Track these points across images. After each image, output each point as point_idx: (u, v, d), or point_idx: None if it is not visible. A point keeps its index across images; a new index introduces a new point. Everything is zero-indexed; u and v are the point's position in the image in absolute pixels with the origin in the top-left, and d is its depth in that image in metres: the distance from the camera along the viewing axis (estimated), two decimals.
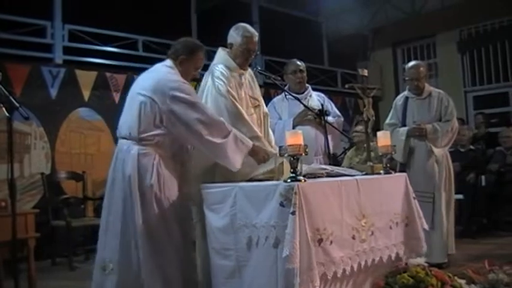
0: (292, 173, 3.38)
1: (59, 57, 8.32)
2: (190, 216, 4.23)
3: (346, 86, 4.63)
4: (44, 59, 8.21)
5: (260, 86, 4.88)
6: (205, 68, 4.51)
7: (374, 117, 4.53)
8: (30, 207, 7.29)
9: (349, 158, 8.09)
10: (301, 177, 3.38)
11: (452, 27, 12.12)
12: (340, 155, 8.68)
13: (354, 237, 3.70)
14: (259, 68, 4.87)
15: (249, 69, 4.72)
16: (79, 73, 8.22)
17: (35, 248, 5.48)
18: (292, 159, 3.37)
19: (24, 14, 7.97)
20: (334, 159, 6.18)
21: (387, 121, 6.35)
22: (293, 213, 3.23)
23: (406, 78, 6.27)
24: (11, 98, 3.45)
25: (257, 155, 4.07)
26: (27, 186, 7.43)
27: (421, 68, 6.12)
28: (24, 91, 7.56)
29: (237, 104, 4.26)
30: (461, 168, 8.41)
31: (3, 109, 3.45)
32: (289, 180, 3.35)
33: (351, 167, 7.80)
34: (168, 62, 4.19)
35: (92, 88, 8.25)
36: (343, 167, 7.91)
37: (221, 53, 4.62)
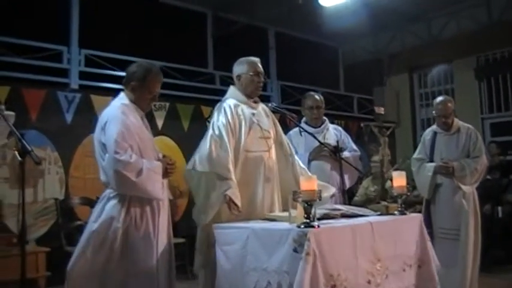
0: (306, 218, 3.34)
1: (74, 82, 8.36)
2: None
3: (362, 124, 4.60)
4: (60, 84, 8.24)
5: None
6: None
7: (390, 157, 4.48)
8: (43, 233, 7.34)
9: (365, 188, 8.06)
10: (315, 223, 3.34)
11: (470, 54, 12.02)
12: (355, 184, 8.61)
13: (369, 282, 3.65)
14: (274, 105, 4.83)
15: (262, 104, 4.77)
16: (94, 98, 8.21)
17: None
18: (306, 204, 3.33)
19: (40, 38, 8.04)
20: (349, 193, 6.12)
21: (415, 155, 6.26)
22: (303, 259, 3.19)
23: (434, 115, 6.17)
24: (23, 141, 3.42)
25: (166, 174, 4.04)
26: (40, 211, 7.43)
27: (449, 104, 6.00)
28: (40, 116, 7.58)
29: (216, 152, 4.25)
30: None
31: (16, 153, 3.41)
32: (302, 226, 3.31)
33: (368, 199, 7.84)
34: (121, 95, 4.15)
35: None
36: (357, 196, 7.95)
37: (231, 89, 4.74)
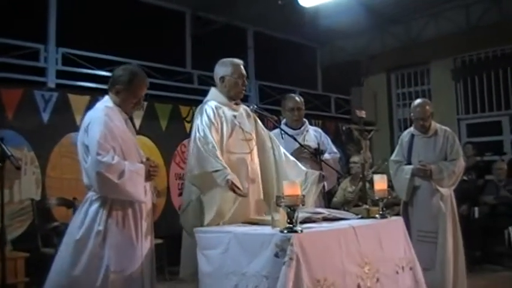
0: (288, 223, 3.32)
1: (51, 81, 8.25)
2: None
3: (344, 128, 4.62)
4: (37, 83, 8.12)
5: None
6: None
7: (371, 160, 4.48)
8: (19, 234, 7.22)
9: (343, 189, 8.07)
10: (298, 228, 3.33)
11: (447, 55, 12.10)
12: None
13: (359, 286, 3.65)
14: (255, 107, 4.80)
15: (243, 106, 4.77)
16: (72, 97, 8.10)
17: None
18: (289, 209, 3.32)
19: (17, 36, 7.89)
20: (328, 194, 6.11)
21: (393, 157, 6.30)
22: (286, 264, 3.17)
23: (412, 117, 6.20)
24: (3, 146, 3.37)
25: (149, 177, 4.03)
26: (16, 212, 7.30)
27: (427, 107, 6.05)
28: (16, 115, 7.43)
29: (202, 148, 4.20)
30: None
31: None
32: (285, 231, 3.30)
33: (346, 200, 7.86)
34: (105, 98, 4.14)
35: (84, 112, 8.04)
36: (336, 197, 7.97)
37: (213, 91, 4.70)
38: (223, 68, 4.62)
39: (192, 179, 4.25)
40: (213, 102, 4.53)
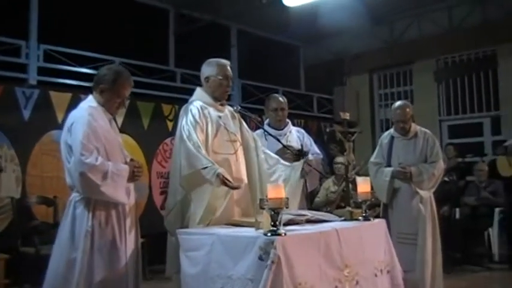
0: (272, 226, 3.31)
1: (33, 78, 8.14)
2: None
3: (328, 129, 4.63)
4: (18, 80, 8.02)
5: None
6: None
7: (354, 162, 4.48)
8: None
9: (325, 189, 8.08)
10: (282, 231, 3.31)
11: (430, 56, 12.18)
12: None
13: None
14: (238, 107, 4.78)
15: (228, 107, 4.75)
16: (53, 95, 8.06)
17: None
18: (272, 212, 3.30)
19: None
20: (310, 194, 6.12)
21: (372, 159, 6.28)
22: (269, 267, 3.16)
23: (392, 120, 6.20)
24: None
25: (133, 178, 4.03)
26: None
27: (407, 109, 6.02)
28: None
29: (199, 156, 4.15)
30: (435, 201, 8.40)
31: None
32: (269, 234, 3.28)
33: (328, 200, 7.87)
34: (89, 97, 4.12)
35: (66, 110, 8.00)
36: (318, 197, 7.97)
37: (198, 91, 4.67)
38: (208, 68, 4.60)
39: (183, 180, 4.21)
40: (198, 102, 4.50)
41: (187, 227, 4.17)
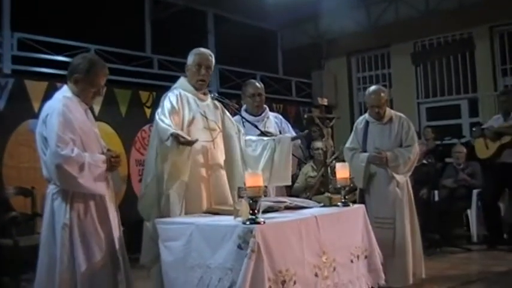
0: (251, 214, 3.30)
1: (7, 67, 8.04)
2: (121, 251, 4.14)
3: (305, 116, 4.62)
4: None
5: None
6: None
7: (333, 148, 4.48)
8: None
9: (305, 174, 8.09)
10: (261, 219, 3.30)
11: (407, 39, 12.21)
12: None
13: (316, 275, 3.66)
14: (216, 95, 4.76)
15: (210, 96, 4.75)
16: (29, 83, 7.95)
17: None
18: (251, 201, 3.29)
19: None
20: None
21: (347, 145, 6.24)
22: (249, 256, 3.16)
23: (367, 105, 6.18)
24: None
25: (111, 168, 4.01)
26: None
27: (382, 94, 5.98)
28: None
29: (160, 123, 4.19)
30: (413, 183, 8.44)
31: None
32: (247, 223, 3.27)
33: (308, 185, 7.87)
34: (64, 88, 4.07)
35: (42, 99, 7.90)
36: (297, 183, 7.98)
37: (181, 79, 4.71)
38: (189, 58, 4.63)
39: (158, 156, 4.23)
40: (178, 90, 4.55)
41: (163, 212, 4.18)
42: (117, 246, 4.02)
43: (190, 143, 4.10)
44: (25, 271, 6.98)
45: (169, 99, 4.40)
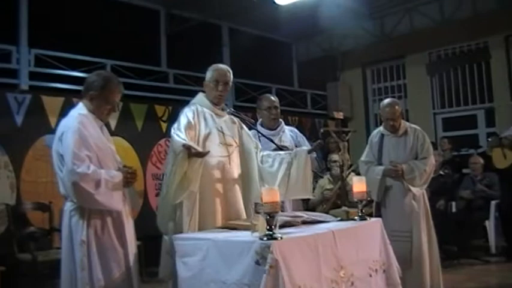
0: (268, 230, 3.29)
1: (24, 82, 8.10)
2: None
3: (322, 130, 4.61)
4: (9, 85, 7.98)
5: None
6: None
7: (349, 161, 4.47)
8: None
9: (321, 187, 8.06)
10: (278, 235, 3.30)
11: (422, 50, 12.18)
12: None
13: None
14: (232, 110, 4.76)
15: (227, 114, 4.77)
16: (45, 99, 8.02)
17: None
18: (268, 216, 3.29)
19: None
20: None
21: (362, 158, 6.20)
22: (267, 272, 3.15)
23: (382, 118, 6.15)
24: None
25: (127, 184, 4.01)
26: None
27: (396, 107, 5.95)
28: None
29: (175, 137, 4.19)
30: (430, 194, 8.40)
31: None
32: (265, 238, 3.27)
33: (324, 198, 7.85)
34: (79, 105, 4.10)
35: (59, 115, 7.96)
36: (314, 195, 7.95)
37: (199, 94, 4.73)
38: (207, 74, 4.64)
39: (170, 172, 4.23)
40: (195, 105, 4.57)
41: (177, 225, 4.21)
42: (131, 262, 4.02)
43: (201, 155, 4.10)
44: (43, 286, 7.05)
45: (186, 114, 4.42)
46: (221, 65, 4.72)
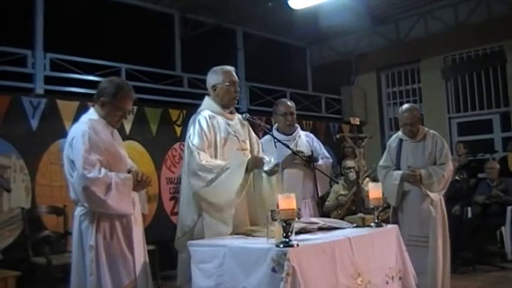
0: (284, 237, 3.27)
1: (40, 87, 8.16)
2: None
3: (338, 136, 4.58)
4: (25, 89, 8.03)
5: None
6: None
7: (365, 167, 4.44)
8: (9, 243, 7.17)
9: (336, 193, 8.02)
10: (294, 242, 3.28)
11: (437, 54, 12.12)
12: None
13: None
14: (247, 115, 4.73)
15: (238, 115, 4.71)
16: (60, 103, 8.01)
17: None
18: (284, 224, 3.26)
19: (3, 42, 7.77)
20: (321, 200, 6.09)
21: (381, 163, 6.19)
22: (284, 280, 3.13)
23: (400, 123, 6.12)
24: None
25: (137, 187, 4.02)
26: (6, 221, 7.20)
27: (415, 112, 5.96)
28: (4, 123, 7.34)
29: (198, 159, 4.19)
30: (446, 200, 8.33)
31: None
32: (281, 246, 3.25)
33: (339, 203, 7.81)
34: (90, 110, 4.13)
35: (73, 119, 7.95)
36: (328, 201, 7.92)
37: (206, 100, 4.64)
38: (214, 77, 4.55)
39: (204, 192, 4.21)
40: (206, 112, 4.48)
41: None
42: (138, 270, 4.01)
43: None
44: None
45: (200, 125, 4.35)
46: (227, 66, 4.64)
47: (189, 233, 4.29)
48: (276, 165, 4.44)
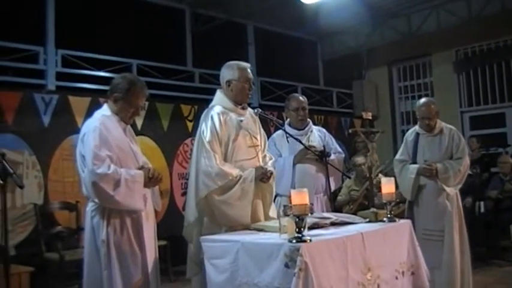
0: (297, 232, 3.26)
1: (51, 83, 8.17)
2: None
3: (350, 130, 4.56)
4: (37, 86, 8.05)
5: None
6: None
7: (378, 162, 4.42)
8: (22, 239, 7.21)
9: (348, 187, 7.98)
10: (307, 237, 3.27)
11: (449, 47, 12.04)
12: None
13: None
14: (260, 111, 4.70)
15: (250, 110, 4.67)
16: (72, 99, 8.04)
17: None
18: (297, 219, 3.26)
19: (15, 39, 7.81)
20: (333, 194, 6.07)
21: (397, 157, 6.15)
22: (297, 275, 3.12)
23: (417, 117, 6.08)
24: (4, 163, 3.36)
25: (148, 184, 4.04)
26: (19, 216, 7.24)
27: (432, 106, 5.94)
28: (16, 119, 7.38)
29: (212, 160, 4.20)
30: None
31: None
32: (294, 241, 3.24)
33: (351, 198, 7.79)
34: (104, 106, 4.16)
35: (85, 115, 7.97)
36: (341, 195, 7.90)
37: (218, 95, 4.60)
38: (229, 72, 4.50)
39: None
40: (218, 108, 4.44)
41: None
42: (149, 267, 4.03)
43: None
44: (71, 285, 7.09)
45: (212, 121, 4.33)
46: (243, 63, 4.60)
47: (192, 225, 4.34)
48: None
